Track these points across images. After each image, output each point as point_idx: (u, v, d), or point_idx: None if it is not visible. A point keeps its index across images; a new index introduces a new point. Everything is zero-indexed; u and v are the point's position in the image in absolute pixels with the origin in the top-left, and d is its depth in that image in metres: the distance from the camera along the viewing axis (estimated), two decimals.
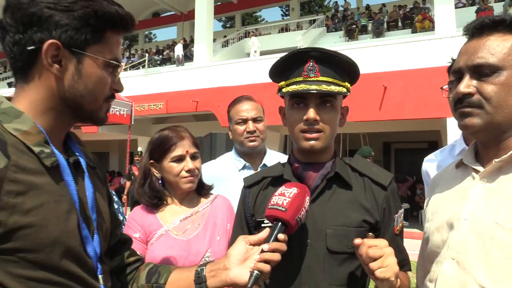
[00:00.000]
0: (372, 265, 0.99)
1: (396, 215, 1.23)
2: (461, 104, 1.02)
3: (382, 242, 1.03)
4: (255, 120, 2.10)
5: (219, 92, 11.52)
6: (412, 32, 15.03)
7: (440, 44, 9.50)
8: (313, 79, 1.17)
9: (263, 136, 2.13)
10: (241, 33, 20.37)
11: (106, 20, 0.90)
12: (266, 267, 0.98)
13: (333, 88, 1.17)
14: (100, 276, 0.94)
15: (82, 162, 0.98)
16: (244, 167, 2.15)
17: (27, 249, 0.79)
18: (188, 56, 17.55)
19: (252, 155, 2.17)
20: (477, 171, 1.06)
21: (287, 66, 1.24)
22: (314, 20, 19.76)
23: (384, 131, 12.28)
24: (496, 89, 0.97)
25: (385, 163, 15.46)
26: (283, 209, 1.05)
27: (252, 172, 2.10)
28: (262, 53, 16.22)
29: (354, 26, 16.89)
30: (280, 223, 1.05)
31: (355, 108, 9.21)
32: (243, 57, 17.53)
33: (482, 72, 0.99)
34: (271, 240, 1.02)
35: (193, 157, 1.71)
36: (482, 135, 1.04)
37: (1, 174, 0.76)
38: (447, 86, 1.59)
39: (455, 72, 1.05)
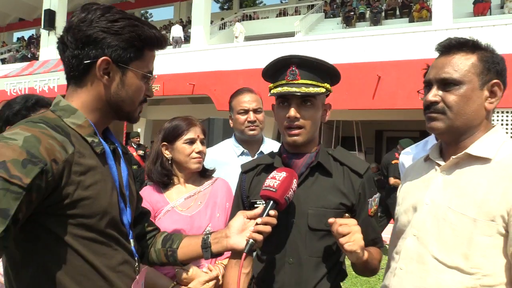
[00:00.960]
0: (341, 240, 1.21)
1: (370, 199, 1.44)
2: (428, 110, 1.23)
3: (351, 221, 1.24)
4: (255, 111, 2.29)
5: (216, 76, 11.60)
6: (410, 21, 15.05)
7: (435, 36, 9.61)
8: (294, 82, 1.36)
9: (262, 126, 2.32)
10: (239, 16, 20.30)
11: (147, 41, 1.11)
12: (259, 237, 1.21)
13: (312, 89, 1.36)
14: (131, 240, 1.17)
15: (119, 149, 1.20)
16: (242, 153, 2.35)
17: (85, 215, 1.01)
18: (184, 38, 17.51)
19: (250, 143, 2.36)
20: (439, 165, 1.27)
21: (274, 70, 1.43)
22: (313, 6, 19.72)
23: (376, 119, 12.47)
24: (456, 99, 1.17)
25: (377, 150, 15.70)
26: (274, 190, 1.26)
27: (249, 158, 2.30)
28: (260, 37, 16.21)
29: (352, 13, 16.89)
30: (271, 201, 1.26)
31: (349, 96, 9.43)
32: None
33: (446, 84, 1.19)
34: (264, 215, 1.24)
35: (201, 142, 1.92)
36: (445, 136, 1.25)
37: (70, 158, 0.98)
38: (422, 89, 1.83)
39: (426, 82, 1.25)
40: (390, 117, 11.87)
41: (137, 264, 1.18)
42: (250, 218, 1.28)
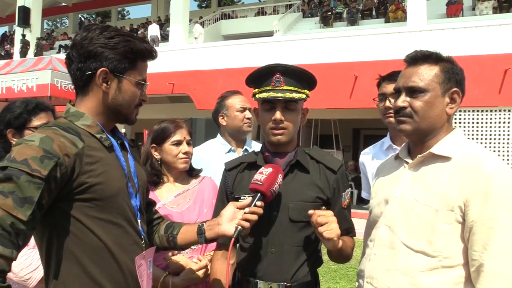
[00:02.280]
0: (320, 229, 1.37)
1: (343, 193, 1.60)
2: (398, 114, 1.39)
3: (328, 213, 1.41)
4: (250, 110, 2.49)
5: (195, 75, 11.65)
6: (385, 22, 15.37)
7: (409, 37, 9.92)
8: (279, 88, 1.51)
9: (253, 124, 2.52)
10: (217, 14, 20.34)
11: (138, 53, 1.29)
12: (247, 224, 1.36)
13: (295, 95, 1.51)
14: (139, 221, 1.33)
15: (126, 143, 1.38)
16: (229, 150, 2.52)
17: (98, 199, 1.18)
18: (163, 36, 17.43)
19: (238, 140, 2.55)
20: (407, 163, 1.44)
21: (259, 76, 1.57)
22: (291, 5, 19.91)
23: (354, 118, 12.75)
24: (422, 105, 1.34)
25: (355, 148, 16.01)
26: (261, 183, 1.41)
27: (236, 154, 2.48)
28: (238, 36, 16.30)
29: (330, 13, 17.14)
30: (259, 193, 1.41)
31: (327, 95, 9.63)
32: (219, 39, 17.54)
33: (413, 92, 1.35)
34: (252, 205, 1.39)
35: (188, 143, 2.04)
36: (412, 137, 1.42)
37: (81, 152, 1.16)
38: (377, 97, 2.16)
39: (396, 90, 1.41)
40: (367, 116, 12.14)
41: (143, 242, 1.34)
42: (240, 208, 1.43)
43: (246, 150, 2.54)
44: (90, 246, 1.18)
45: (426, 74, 1.34)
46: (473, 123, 8.79)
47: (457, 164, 1.29)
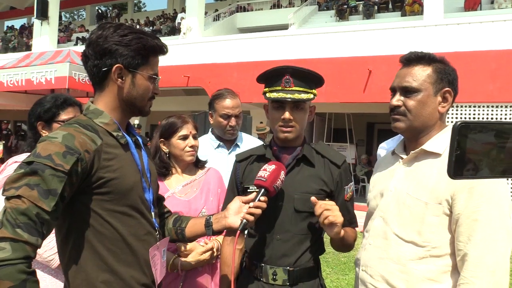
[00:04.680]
0: (326, 212, 1.44)
1: (346, 186, 1.69)
2: (393, 112, 1.46)
3: (331, 202, 1.50)
4: (236, 116, 2.54)
5: (210, 69, 11.72)
6: (402, 15, 15.20)
7: (424, 31, 9.84)
8: (288, 89, 1.59)
9: (239, 128, 2.59)
10: (233, 7, 20.35)
11: (150, 49, 1.36)
12: (251, 218, 1.46)
13: (303, 96, 1.60)
14: (152, 213, 1.42)
15: (140, 140, 1.46)
16: (218, 146, 2.63)
17: (115, 192, 1.27)
18: (178, 29, 17.53)
19: (223, 140, 2.64)
20: (402, 158, 1.51)
21: (270, 77, 1.66)
22: None
23: (368, 112, 12.71)
24: (415, 104, 1.41)
25: (368, 142, 15.96)
26: (264, 179, 1.50)
27: (225, 150, 2.61)
28: (254, 29, 16.31)
29: (345, 6, 17.00)
30: (263, 189, 1.50)
31: (341, 89, 9.65)
32: (235, 32, 17.56)
33: (407, 91, 1.42)
34: (256, 200, 1.49)
35: (194, 137, 2.15)
36: (406, 134, 1.49)
37: (99, 149, 1.24)
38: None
39: (391, 89, 1.48)
40: (381, 110, 12.06)
41: (157, 233, 1.43)
42: (245, 202, 1.52)
43: (236, 145, 2.63)
44: (107, 236, 1.27)
45: (419, 75, 1.41)
46: (488, 119, 8.70)
47: (446, 160, 1.35)
